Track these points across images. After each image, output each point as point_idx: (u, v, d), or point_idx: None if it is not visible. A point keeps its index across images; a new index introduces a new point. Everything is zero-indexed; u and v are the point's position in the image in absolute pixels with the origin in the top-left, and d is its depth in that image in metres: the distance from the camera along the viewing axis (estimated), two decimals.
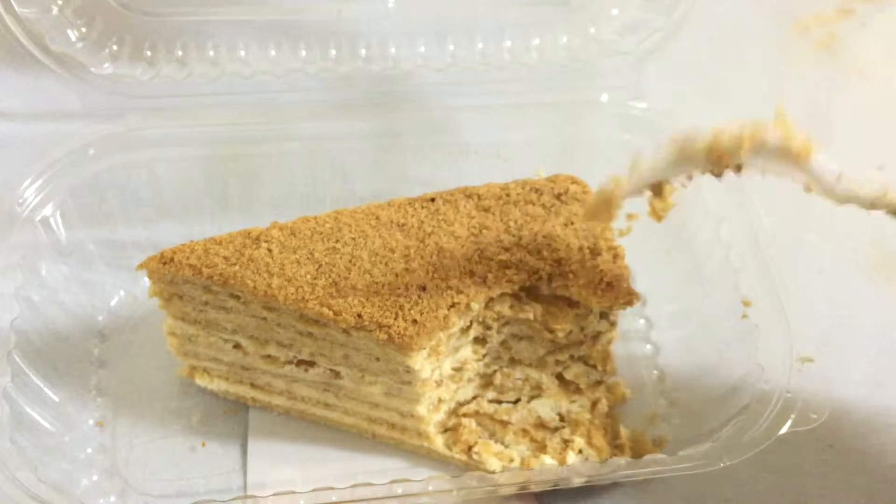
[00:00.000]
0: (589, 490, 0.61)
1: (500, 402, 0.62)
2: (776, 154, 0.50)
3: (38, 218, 0.61)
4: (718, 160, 0.50)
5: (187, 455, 0.62)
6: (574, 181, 0.62)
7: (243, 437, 0.63)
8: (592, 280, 0.56)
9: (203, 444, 0.62)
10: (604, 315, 0.58)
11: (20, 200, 0.60)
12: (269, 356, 0.59)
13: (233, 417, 0.64)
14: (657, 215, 0.69)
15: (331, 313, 0.52)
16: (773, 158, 0.50)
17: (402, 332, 0.52)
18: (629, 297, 0.56)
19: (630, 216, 0.71)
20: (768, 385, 0.58)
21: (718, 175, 0.51)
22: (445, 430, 0.61)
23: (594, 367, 0.61)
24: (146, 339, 0.66)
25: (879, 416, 0.65)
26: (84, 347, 0.65)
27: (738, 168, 0.50)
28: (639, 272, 0.72)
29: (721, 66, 0.85)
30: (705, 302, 0.68)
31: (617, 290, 0.56)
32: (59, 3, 0.61)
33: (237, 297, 0.56)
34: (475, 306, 0.55)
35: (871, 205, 0.48)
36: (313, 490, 0.52)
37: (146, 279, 0.68)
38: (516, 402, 0.62)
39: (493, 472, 0.58)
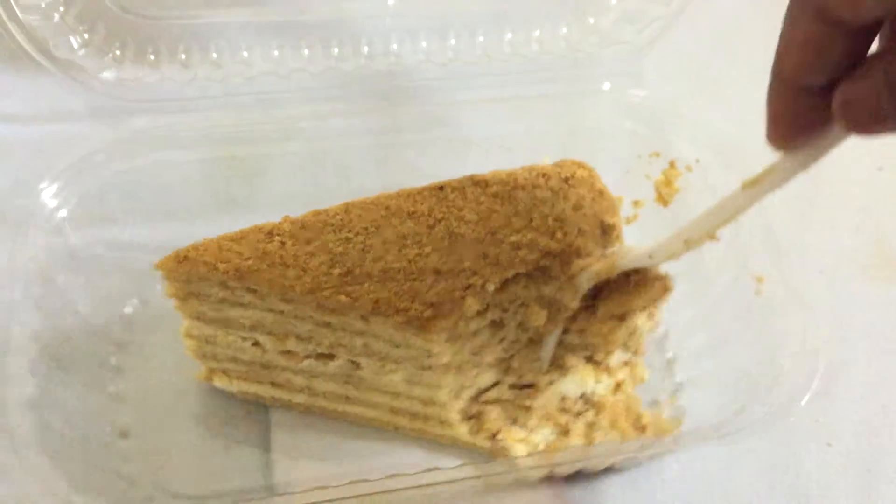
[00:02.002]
0: (611, 471, 0.62)
1: (520, 386, 0.62)
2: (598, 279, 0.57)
3: (52, 225, 0.62)
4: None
5: (212, 458, 0.61)
6: (580, 166, 0.63)
7: (266, 437, 0.63)
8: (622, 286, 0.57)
9: (227, 447, 0.62)
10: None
11: (33, 208, 0.61)
12: (288, 351, 0.59)
13: (254, 418, 0.64)
14: (663, 200, 0.70)
15: (348, 300, 0.53)
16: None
17: (420, 314, 0.52)
18: (664, 290, 0.57)
19: (636, 203, 0.72)
20: (788, 358, 0.58)
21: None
22: (469, 418, 0.61)
23: (625, 346, 0.61)
24: (162, 345, 0.66)
25: (879, 416, 0.65)
26: (101, 355, 0.65)
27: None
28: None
29: (721, 53, 0.85)
30: (717, 281, 0.68)
31: (650, 286, 0.56)
32: (61, 9, 0.61)
33: (254, 292, 0.56)
34: (490, 287, 0.55)
35: (685, 250, 0.53)
36: (349, 483, 0.51)
37: (157, 285, 0.69)
38: (533, 386, 0.62)
39: (518, 458, 0.58)
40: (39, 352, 0.57)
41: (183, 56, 0.65)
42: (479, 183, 0.60)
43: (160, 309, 0.68)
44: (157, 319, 0.67)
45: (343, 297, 0.53)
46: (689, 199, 0.70)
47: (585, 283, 0.57)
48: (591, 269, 0.56)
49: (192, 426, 0.63)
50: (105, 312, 0.66)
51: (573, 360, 0.61)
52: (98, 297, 0.66)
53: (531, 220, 0.58)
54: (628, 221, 0.72)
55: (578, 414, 0.62)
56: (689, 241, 0.52)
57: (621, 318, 0.58)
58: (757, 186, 0.47)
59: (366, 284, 0.53)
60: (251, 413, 0.64)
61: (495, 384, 0.62)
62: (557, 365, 0.61)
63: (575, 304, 0.57)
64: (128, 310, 0.68)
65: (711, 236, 0.52)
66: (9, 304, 0.57)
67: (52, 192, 0.62)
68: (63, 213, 0.62)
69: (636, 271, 0.57)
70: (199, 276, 0.55)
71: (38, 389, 0.56)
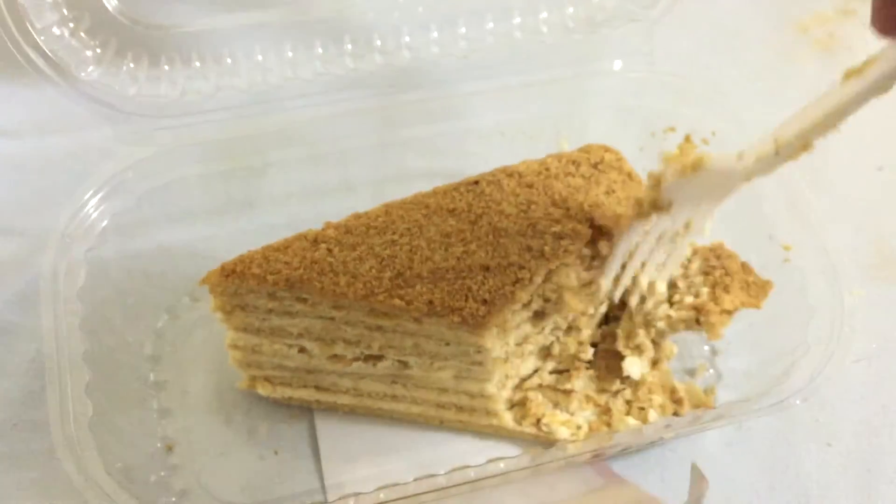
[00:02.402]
0: (650, 447, 0.63)
1: (559, 371, 0.63)
2: (682, 177, 0.52)
3: (87, 244, 0.61)
4: (655, 208, 0.54)
5: (260, 465, 0.62)
6: (607, 149, 0.64)
7: (312, 441, 0.63)
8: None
9: (275, 453, 0.62)
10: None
11: (69, 227, 0.60)
12: (335, 356, 0.59)
13: (299, 422, 0.64)
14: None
15: (402, 303, 0.53)
16: (687, 183, 0.52)
17: (475, 312, 0.53)
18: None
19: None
20: (822, 324, 0.60)
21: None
22: (513, 406, 0.62)
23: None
24: (197, 357, 0.66)
25: (879, 416, 0.66)
26: (139, 372, 0.64)
27: (669, 205, 0.54)
28: None
29: (730, 24, 0.86)
30: (742, 251, 0.69)
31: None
32: (71, 25, 0.60)
33: (304, 301, 0.56)
34: (538, 279, 0.56)
35: (777, 156, 0.49)
36: (415, 480, 0.52)
37: (185, 298, 0.69)
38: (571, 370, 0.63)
39: (564, 441, 0.60)
40: (92, 373, 0.56)
41: (198, 65, 0.64)
42: (512, 175, 0.61)
43: (191, 322, 0.68)
44: (190, 333, 0.67)
45: (397, 301, 0.53)
46: None
47: (670, 177, 0.53)
48: (672, 167, 0.52)
49: (238, 435, 0.63)
50: (138, 328, 0.66)
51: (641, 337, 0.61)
52: (131, 314, 0.65)
53: (568, 210, 0.58)
54: None
55: (616, 392, 0.63)
56: (780, 145, 0.47)
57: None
58: (861, 76, 0.43)
59: (417, 286, 0.54)
60: (295, 417, 0.64)
61: (536, 371, 0.63)
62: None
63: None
64: (160, 324, 0.67)
65: (806, 144, 0.47)
66: (55, 326, 0.56)
67: (87, 209, 0.61)
68: (97, 230, 0.62)
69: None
70: (248, 288, 0.55)
71: (94, 410, 0.55)
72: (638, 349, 0.61)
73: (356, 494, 0.53)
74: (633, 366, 0.61)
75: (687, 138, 0.69)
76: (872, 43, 0.45)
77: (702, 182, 0.52)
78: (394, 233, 0.57)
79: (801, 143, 0.47)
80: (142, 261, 0.66)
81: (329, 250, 0.56)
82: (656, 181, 0.53)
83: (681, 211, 0.55)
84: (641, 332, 0.61)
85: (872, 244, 0.74)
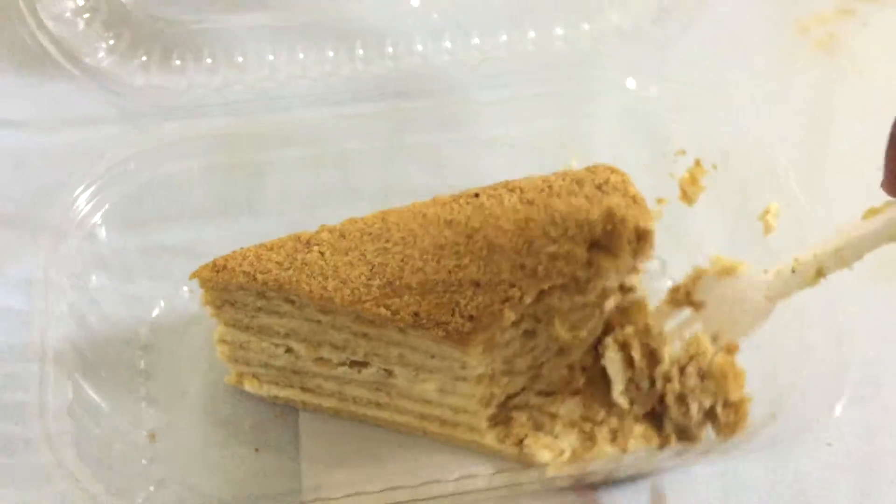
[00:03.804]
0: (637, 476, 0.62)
1: (546, 393, 0.62)
2: (718, 280, 0.57)
3: (83, 232, 0.61)
4: (689, 300, 0.58)
5: (242, 462, 0.62)
6: (613, 171, 0.63)
7: (295, 441, 0.63)
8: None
9: (257, 450, 0.62)
10: None
11: (66, 214, 0.60)
12: (321, 359, 0.59)
13: (283, 421, 0.64)
14: (688, 199, 0.70)
15: (388, 313, 0.53)
16: (718, 285, 0.56)
17: (460, 328, 0.53)
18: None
19: (660, 200, 0.72)
20: (816, 362, 0.59)
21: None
22: (496, 424, 0.61)
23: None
24: (189, 349, 0.66)
25: (879, 416, 0.65)
26: (130, 359, 0.65)
27: (701, 304, 0.58)
28: (670, 257, 0.73)
29: (745, 47, 0.85)
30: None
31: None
32: (86, 16, 0.60)
33: (292, 302, 0.56)
34: (528, 299, 0.55)
35: (794, 275, 0.53)
36: (384, 490, 0.52)
37: (185, 288, 0.69)
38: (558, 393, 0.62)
39: (547, 464, 0.59)
40: (76, 358, 0.56)
41: (209, 61, 0.64)
42: (514, 190, 0.60)
43: (185, 314, 0.68)
44: (183, 324, 0.67)
45: (383, 310, 0.53)
46: (715, 198, 0.71)
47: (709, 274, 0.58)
48: (713, 268, 0.57)
49: (222, 429, 0.63)
50: (133, 317, 0.66)
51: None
52: (126, 302, 0.66)
53: (567, 230, 0.58)
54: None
55: (601, 422, 0.62)
56: (798, 265, 0.52)
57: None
58: (881, 216, 0.49)
59: (405, 297, 0.53)
60: (280, 417, 0.64)
61: (523, 390, 0.62)
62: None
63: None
64: (155, 314, 0.68)
65: (821, 270, 0.52)
66: (45, 311, 0.57)
67: (84, 198, 0.61)
68: (93, 220, 0.62)
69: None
70: (238, 285, 0.55)
71: (75, 395, 0.56)
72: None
73: (326, 500, 0.52)
74: (622, 396, 0.60)
75: (697, 162, 0.69)
76: (872, 43, 0.45)
77: (734, 290, 0.56)
78: (387, 241, 0.56)
79: (815, 269, 0.52)
80: (140, 251, 0.67)
81: (321, 253, 0.55)
82: (697, 275, 0.58)
83: (711, 316, 0.57)
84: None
85: None
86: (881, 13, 0.90)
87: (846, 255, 0.51)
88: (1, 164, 0.72)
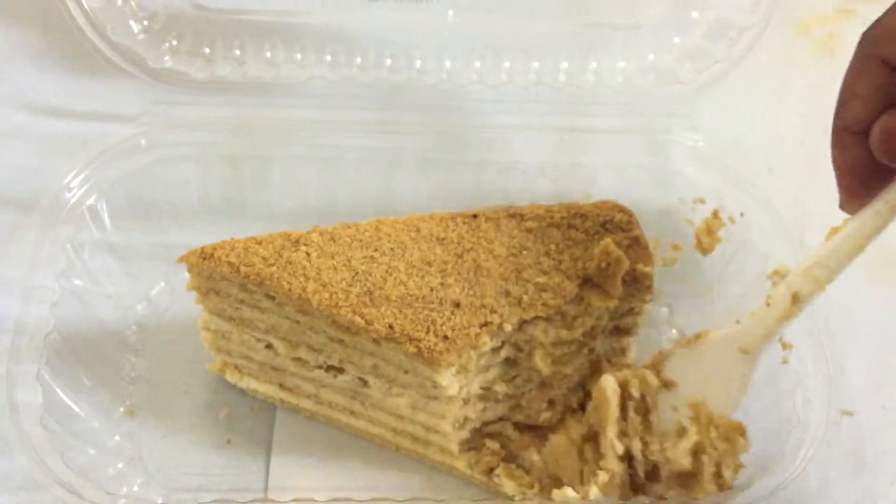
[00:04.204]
0: None
1: (524, 426, 0.61)
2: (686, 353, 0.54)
3: (86, 206, 0.63)
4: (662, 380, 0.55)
5: (212, 451, 0.62)
6: (621, 209, 0.61)
7: (268, 438, 0.63)
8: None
9: (228, 441, 0.62)
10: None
11: (68, 189, 0.62)
12: (299, 359, 0.59)
13: (260, 417, 0.64)
14: (703, 249, 0.68)
15: (362, 322, 0.52)
16: (687, 360, 0.54)
17: (432, 346, 0.52)
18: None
19: (675, 247, 0.70)
20: (803, 434, 0.57)
21: None
22: (469, 449, 0.60)
23: None
24: (182, 332, 0.67)
25: (879, 416, 0.64)
26: (121, 335, 0.66)
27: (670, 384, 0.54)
28: (679, 304, 0.71)
29: (782, 104, 0.83)
30: None
31: None
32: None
33: (272, 298, 0.56)
34: (508, 327, 0.54)
35: (794, 302, 0.49)
36: (332, 500, 0.51)
37: (186, 272, 0.70)
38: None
39: (513, 498, 0.58)
40: (64, 332, 0.57)
41: (237, 52, 0.65)
42: (514, 216, 0.59)
43: (185, 297, 0.68)
44: (182, 307, 0.68)
45: (358, 318, 0.53)
46: (729, 252, 0.69)
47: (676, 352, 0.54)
48: (679, 344, 0.54)
49: (199, 414, 0.64)
50: (131, 295, 0.68)
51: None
52: (126, 279, 0.67)
53: (560, 263, 0.57)
54: (665, 264, 0.71)
55: (577, 464, 0.60)
56: (773, 299, 0.50)
57: None
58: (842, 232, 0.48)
59: (383, 308, 0.53)
60: (257, 412, 0.64)
61: (501, 419, 0.61)
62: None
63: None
64: (153, 293, 0.69)
65: (796, 297, 0.49)
66: (38, 288, 0.58)
67: (86, 175, 0.63)
68: (95, 197, 0.64)
69: None
70: (221, 275, 0.56)
71: (52, 363, 0.57)
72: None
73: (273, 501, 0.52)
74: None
75: (715, 213, 0.68)
76: None
77: (703, 358, 0.53)
78: (376, 250, 0.56)
79: (791, 296, 0.49)
80: (145, 230, 0.68)
81: (308, 254, 0.55)
82: (662, 356, 0.55)
83: (687, 393, 0.53)
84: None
85: (872, 244, 0.72)
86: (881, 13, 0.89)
87: (818, 275, 0.48)
88: None
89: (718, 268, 0.70)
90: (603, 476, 0.51)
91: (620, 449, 0.54)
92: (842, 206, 0.48)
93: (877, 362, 0.67)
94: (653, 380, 0.54)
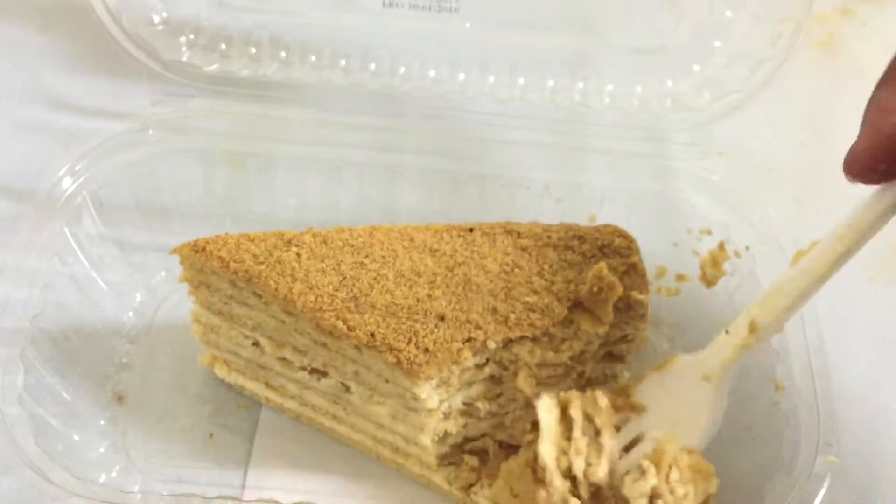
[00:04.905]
0: None
1: (507, 445, 0.60)
2: (658, 377, 0.53)
3: (87, 196, 0.64)
4: (628, 406, 0.54)
5: (194, 443, 0.62)
6: (621, 234, 0.60)
7: (251, 435, 0.63)
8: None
9: (211, 435, 0.63)
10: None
11: (68, 178, 0.63)
12: (284, 359, 0.59)
13: (245, 413, 0.64)
14: (707, 281, 0.67)
15: (345, 327, 0.52)
16: (658, 384, 0.53)
17: (412, 358, 0.52)
18: None
19: (680, 277, 0.69)
20: (788, 478, 0.55)
21: None
22: (448, 464, 0.60)
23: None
24: (179, 323, 0.67)
25: (879, 416, 0.64)
26: (117, 322, 0.66)
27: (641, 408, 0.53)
28: (679, 336, 0.70)
29: (796, 139, 0.82)
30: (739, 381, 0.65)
31: None
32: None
33: (259, 296, 0.56)
34: (491, 345, 0.54)
35: (751, 330, 0.49)
36: None
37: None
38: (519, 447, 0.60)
39: None
40: (56, 316, 0.58)
41: (253, 50, 0.66)
42: (511, 232, 0.59)
43: (182, 288, 0.69)
44: (179, 298, 0.68)
45: (340, 324, 0.52)
46: (733, 286, 0.68)
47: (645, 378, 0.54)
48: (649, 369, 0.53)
49: (186, 406, 0.64)
50: (130, 282, 0.68)
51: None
52: (126, 266, 0.68)
53: (552, 284, 0.56)
54: (669, 294, 0.70)
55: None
56: (732, 329, 0.49)
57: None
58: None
59: (367, 315, 0.53)
60: (243, 408, 0.64)
61: (483, 435, 0.60)
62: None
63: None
64: (154, 282, 0.69)
65: (754, 327, 0.48)
66: (38, 275, 0.59)
67: (84, 165, 0.64)
68: (95, 186, 0.64)
69: None
70: (212, 269, 0.56)
71: (37, 344, 0.58)
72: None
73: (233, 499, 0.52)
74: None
75: (721, 245, 0.66)
76: (872, 43, 0.43)
77: (670, 383, 0.52)
78: (367, 256, 0.56)
79: (748, 324, 0.48)
80: (148, 218, 0.68)
81: (298, 255, 0.56)
82: (638, 378, 0.54)
83: (655, 420, 0.52)
84: None
85: (872, 244, 0.71)
86: (881, 13, 0.89)
87: (777, 304, 0.47)
88: None
89: (721, 301, 0.69)
90: (542, 494, 0.50)
91: (552, 466, 0.52)
92: (845, 168, 0.45)
93: (877, 363, 0.67)
94: (603, 402, 0.52)
